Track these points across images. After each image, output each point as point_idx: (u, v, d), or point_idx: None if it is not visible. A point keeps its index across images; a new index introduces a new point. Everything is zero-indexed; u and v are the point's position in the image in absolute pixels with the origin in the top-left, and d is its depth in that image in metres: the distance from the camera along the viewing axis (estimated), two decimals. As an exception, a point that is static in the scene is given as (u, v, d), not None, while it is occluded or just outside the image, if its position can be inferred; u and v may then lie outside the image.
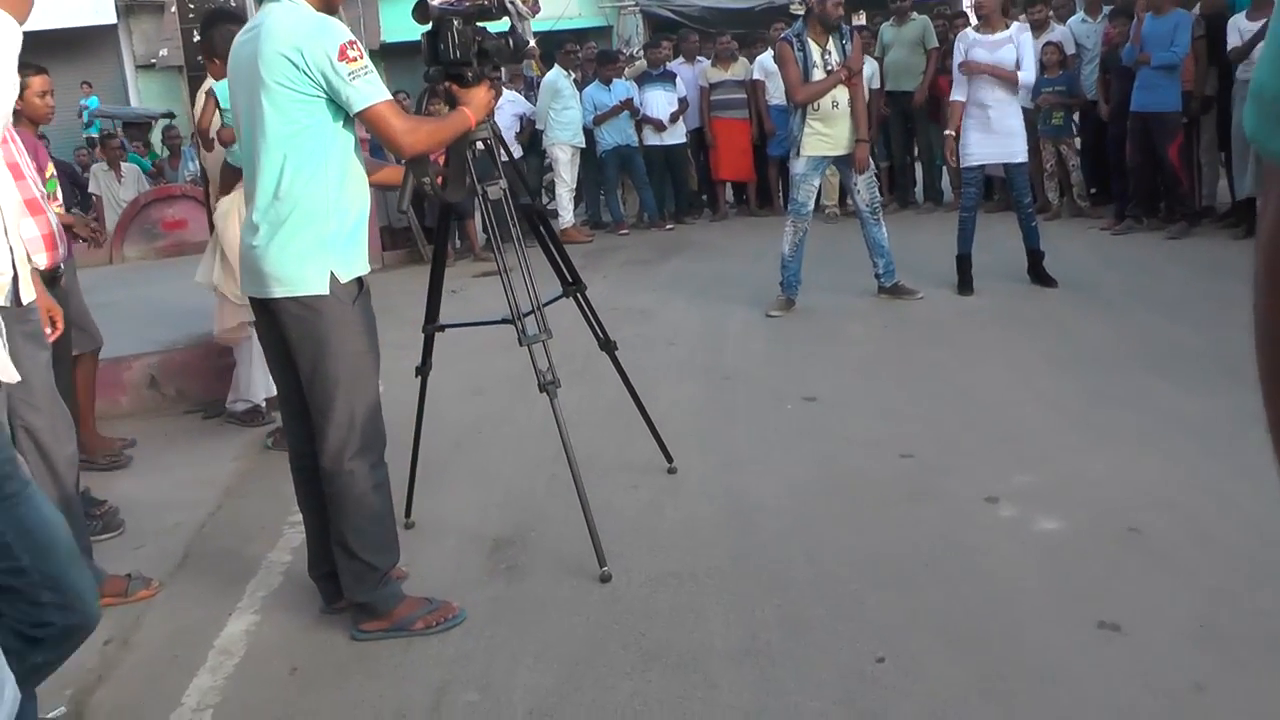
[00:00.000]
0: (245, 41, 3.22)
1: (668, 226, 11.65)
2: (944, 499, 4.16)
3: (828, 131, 7.06)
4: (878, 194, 7.43)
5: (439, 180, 3.66)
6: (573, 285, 4.21)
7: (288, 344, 3.26)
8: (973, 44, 7.25)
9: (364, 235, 3.33)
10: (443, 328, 4.11)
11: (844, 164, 7.23)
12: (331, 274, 3.18)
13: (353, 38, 3.10)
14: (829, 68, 7.01)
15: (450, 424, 5.30)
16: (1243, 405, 4.82)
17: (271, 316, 3.27)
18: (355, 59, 3.05)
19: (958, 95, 7.33)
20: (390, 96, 3.18)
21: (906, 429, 4.97)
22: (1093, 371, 5.59)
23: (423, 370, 4.09)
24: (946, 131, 7.51)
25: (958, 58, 7.34)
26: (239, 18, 5.33)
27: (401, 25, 17.22)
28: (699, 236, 11.08)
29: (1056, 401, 5.20)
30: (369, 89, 3.09)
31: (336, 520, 3.34)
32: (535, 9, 3.58)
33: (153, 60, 19.23)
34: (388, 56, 17.42)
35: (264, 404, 5.90)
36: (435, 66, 3.68)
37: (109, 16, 18.51)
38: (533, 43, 3.98)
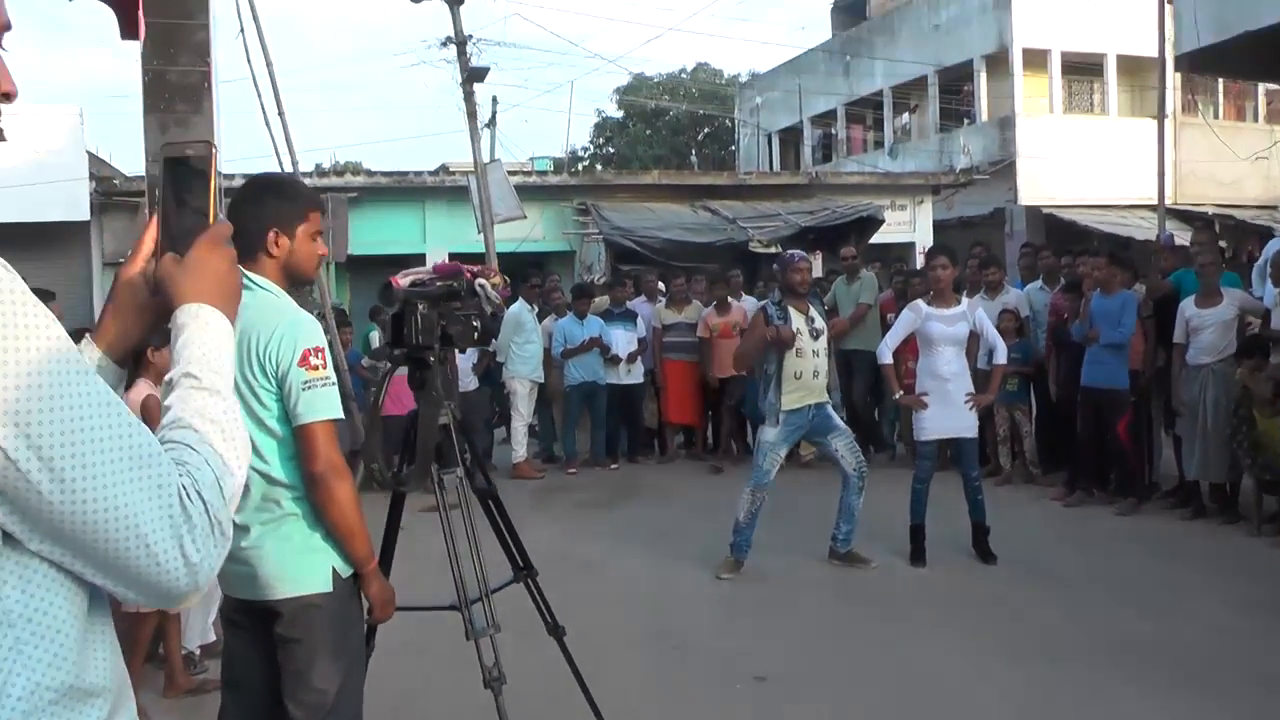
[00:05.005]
0: None
1: (612, 466, 11.63)
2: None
3: (807, 390, 7.07)
4: (862, 458, 7.37)
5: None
6: (523, 570, 4.11)
7: (274, 646, 3.10)
8: (928, 317, 7.32)
9: None
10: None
11: (821, 430, 7.22)
12: (334, 570, 3.07)
13: (321, 344, 3.00)
14: (814, 332, 7.08)
15: (387, 687, 5.09)
16: (1199, 711, 4.75)
17: (259, 619, 3.11)
18: (317, 367, 2.94)
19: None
20: (340, 415, 3.03)
21: (860, 718, 4.82)
22: (1047, 663, 5.48)
23: (368, 646, 3.91)
24: (897, 396, 7.73)
25: (907, 328, 7.43)
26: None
27: (366, 240, 17.52)
28: (649, 479, 11.03)
29: (1013, 695, 5.08)
30: (319, 403, 2.96)
31: None
32: (505, 292, 3.62)
33: (121, 259, 19.23)
34: (353, 267, 17.59)
35: (197, 651, 5.70)
36: (399, 349, 3.67)
37: (83, 214, 18.59)
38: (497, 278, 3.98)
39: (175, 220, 1.62)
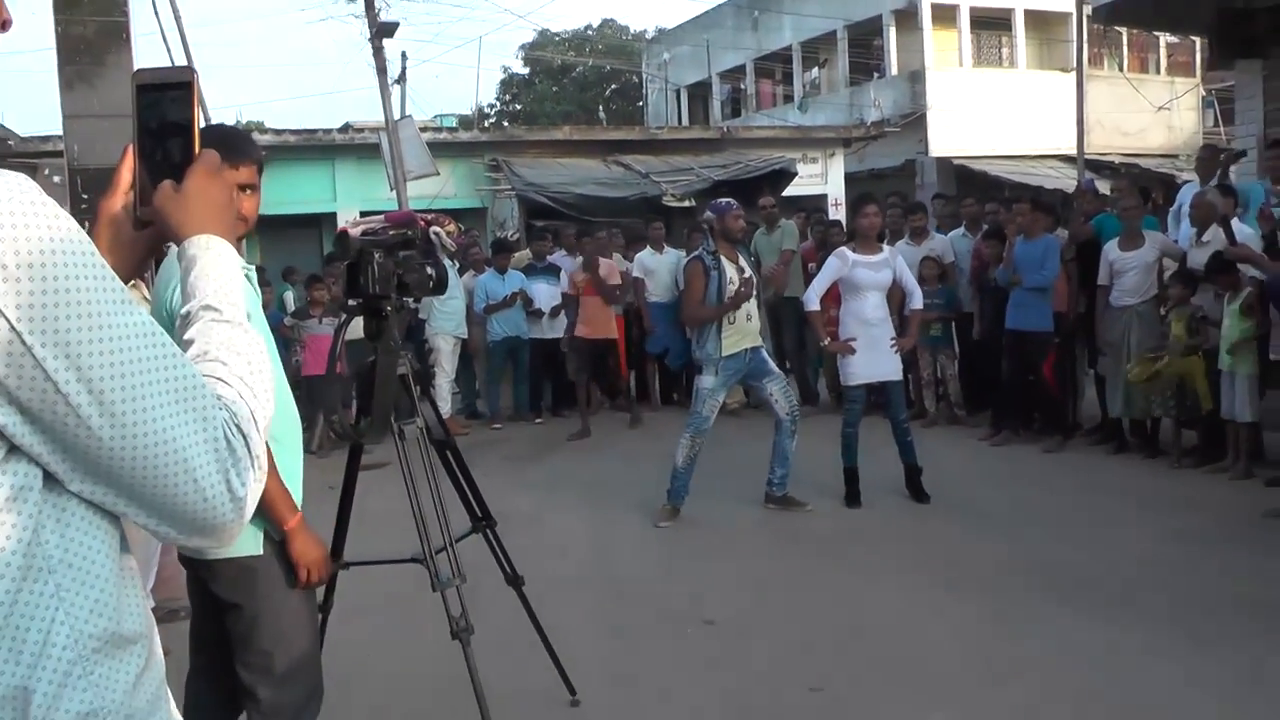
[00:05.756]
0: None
1: (537, 420, 11.64)
2: (860, 745, 4.05)
3: (743, 334, 7.12)
4: (796, 402, 7.46)
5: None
6: (482, 521, 4.08)
7: (219, 607, 3.04)
8: (855, 264, 7.34)
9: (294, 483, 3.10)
10: (347, 565, 3.92)
11: (756, 374, 7.26)
12: (265, 532, 2.98)
13: None
14: (745, 282, 7.10)
15: (346, 645, 5.02)
16: (1138, 634, 4.88)
17: (201, 580, 3.05)
18: None
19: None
20: None
21: (812, 659, 4.88)
22: (989, 596, 5.60)
23: (324, 609, 3.86)
24: (824, 343, 7.75)
25: (833, 275, 7.42)
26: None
27: (276, 199, 17.19)
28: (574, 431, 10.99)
29: (958, 629, 5.17)
30: None
31: None
32: (459, 240, 3.56)
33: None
34: (264, 228, 17.20)
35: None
36: (355, 299, 3.60)
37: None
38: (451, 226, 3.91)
39: (157, 151, 1.52)
